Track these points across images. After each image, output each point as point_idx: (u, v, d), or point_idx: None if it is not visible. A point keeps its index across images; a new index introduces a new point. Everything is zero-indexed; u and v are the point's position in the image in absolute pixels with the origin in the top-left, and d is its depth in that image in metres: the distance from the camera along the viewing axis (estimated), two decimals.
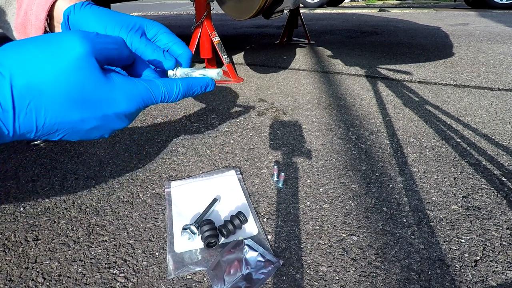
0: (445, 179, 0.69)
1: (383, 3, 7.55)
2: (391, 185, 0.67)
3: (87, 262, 0.50)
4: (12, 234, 0.56)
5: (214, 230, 0.51)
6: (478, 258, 0.49)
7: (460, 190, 0.65)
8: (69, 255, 0.51)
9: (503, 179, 0.68)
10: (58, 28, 0.37)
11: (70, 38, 0.24)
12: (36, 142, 0.88)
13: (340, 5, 6.42)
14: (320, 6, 5.92)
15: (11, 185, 0.70)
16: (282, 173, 0.67)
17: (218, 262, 0.44)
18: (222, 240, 0.52)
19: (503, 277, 0.46)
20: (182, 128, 0.98)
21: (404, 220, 0.57)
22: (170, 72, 0.35)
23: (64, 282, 0.46)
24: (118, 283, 0.46)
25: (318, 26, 3.37)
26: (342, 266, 0.48)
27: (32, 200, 0.65)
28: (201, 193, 0.65)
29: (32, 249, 0.52)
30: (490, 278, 0.46)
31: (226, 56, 1.46)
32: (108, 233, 0.55)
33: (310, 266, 0.48)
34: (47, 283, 0.46)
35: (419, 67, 1.60)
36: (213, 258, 0.48)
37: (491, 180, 0.68)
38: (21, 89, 0.22)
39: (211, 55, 1.55)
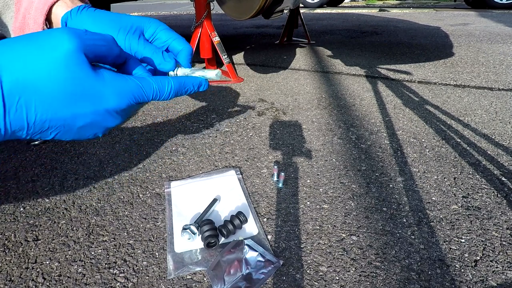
0: (445, 179, 0.69)
1: (383, 3, 7.55)
2: (391, 185, 0.67)
3: (87, 262, 0.50)
4: (12, 234, 0.56)
5: (214, 230, 0.51)
6: (478, 258, 0.49)
7: (460, 190, 0.65)
8: (69, 255, 0.51)
9: (503, 179, 0.68)
10: None
11: (59, 34, 0.24)
12: (36, 142, 0.88)
13: (340, 5, 6.42)
14: (320, 6, 5.92)
15: (11, 185, 0.70)
16: (282, 173, 0.67)
17: (218, 262, 0.44)
18: (222, 240, 0.52)
19: (503, 277, 0.46)
20: (182, 128, 0.98)
21: (404, 220, 0.57)
22: (171, 73, 0.35)
23: (64, 282, 0.46)
24: (118, 283, 0.46)
25: (318, 26, 3.37)
26: (342, 266, 0.48)
27: (32, 200, 0.65)
28: (201, 193, 0.65)
29: (32, 249, 0.52)
30: (490, 278, 0.46)
31: (226, 56, 1.46)
32: (108, 233, 0.55)
33: (310, 266, 0.48)
34: (47, 283, 0.46)
35: (419, 67, 1.59)
36: (213, 258, 0.48)
37: (491, 180, 0.68)
38: (11, 85, 0.22)
39: (211, 55, 1.55)
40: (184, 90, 0.32)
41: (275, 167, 0.69)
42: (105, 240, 0.54)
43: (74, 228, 0.57)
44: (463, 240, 0.52)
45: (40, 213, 0.61)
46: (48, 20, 0.35)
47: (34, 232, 0.56)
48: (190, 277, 0.47)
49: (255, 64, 1.81)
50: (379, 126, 0.96)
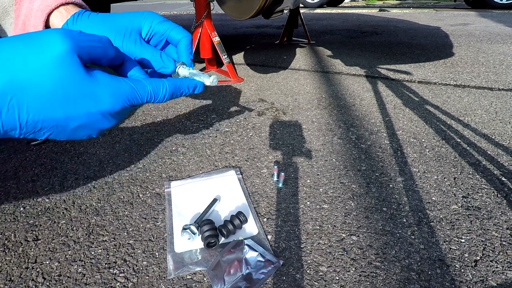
0: (445, 179, 0.69)
1: (383, 3, 7.55)
2: (391, 185, 0.67)
3: (87, 262, 0.50)
4: (12, 234, 0.56)
5: (214, 230, 0.51)
6: (478, 258, 0.49)
7: (460, 190, 0.65)
8: (69, 255, 0.51)
9: (503, 179, 0.68)
10: None
11: (52, 35, 0.24)
12: (36, 142, 0.88)
13: (340, 5, 6.42)
14: (320, 6, 5.92)
15: (11, 185, 0.70)
16: (282, 173, 0.67)
17: (218, 262, 0.44)
18: (222, 240, 0.52)
19: (503, 277, 0.46)
20: (182, 128, 0.98)
21: (404, 220, 0.57)
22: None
23: (64, 282, 0.46)
24: (118, 283, 0.46)
25: (318, 26, 3.37)
26: (342, 266, 0.48)
27: (32, 200, 0.65)
28: (201, 193, 0.65)
29: (32, 249, 0.52)
30: (490, 278, 0.46)
31: (226, 56, 1.46)
32: (108, 233, 0.55)
33: (310, 266, 0.48)
34: (47, 283, 0.46)
35: (419, 67, 1.59)
36: (213, 258, 0.48)
37: (491, 180, 0.68)
38: (3, 85, 0.22)
39: (211, 55, 1.55)
40: (179, 93, 0.32)
41: (275, 167, 0.69)
42: (105, 240, 0.54)
43: (74, 228, 0.57)
44: (463, 240, 0.52)
45: (40, 213, 0.61)
46: (47, 27, 0.35)
47: (34, 232, 0.56)
48: (190, 277, 0.47)
49: (255, 64, 1.81)
50: (379, 126, 0.96)
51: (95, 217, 0.59)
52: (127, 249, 0.52)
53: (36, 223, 0.58)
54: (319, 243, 0.53)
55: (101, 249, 0.52)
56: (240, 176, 0.71)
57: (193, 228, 0.51)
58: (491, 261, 0.48)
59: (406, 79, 1.41)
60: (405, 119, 1.00)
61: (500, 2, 4.56)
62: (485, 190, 0.65)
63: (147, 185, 0.69)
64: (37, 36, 0.24)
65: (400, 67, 1.62)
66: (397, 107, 1.10)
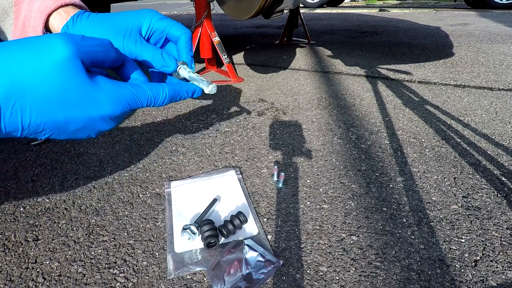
0: (445, 179, 0.69)
1: (383, 3, 7.55)
2: (391, 185, 0.67)
3: (87, 262, 0.50)
4: (12, 234, 0.56)
5: (214, 230, 0.51)
6: (478, 258, 0.49)
7: (460, 190, 0.65)
8: (69, 255, 0.51)
9: (503, 179, 0.68)
10: None
11: (56, 40, 0.24)
12: (36, 142, 0.88)
13: (340, 5, 6.42)
14: (320, 6, 5.92)
15: (11, 185, 0.70)
16: (282, 173, 0.67)
17: (218, 262, 0.44)
18: (222, 240, 0.52)
19: (503, 277, 0.46)
20: (182, 128, 0.98)
21: (404, 220, 0.57)
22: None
23: (64, 282, 0.46)
24: (118, 283, 0.46)
25: (318, 26, 3.37)
26: (342, 266, 0.48)
27: (32, 200, 0.65)
28: (201, 193, 0.65)
29: (32, 249, 0.52)
30: (490, 278, 0.46)
31: (226, 56, 1.46)
32: (108, 233, 0.55)
33: (310, 266, 0.48)
34: (47, 283, 0.46)
35: (419, 67, 1.60)
36: (213, 258, 0.48)
37: (491, 180, 0.68)
38: (7, 89, 0.22)
39: (211, 55, 1.55)
40: (178, 97, 0.33)
41: (275, 167, 0.69)
42: (105, 240, 0.54)
43: (74, 228, 0.57)
44: (463, 240, 0.52)
45: (40, 213, 0.61)
46: (47, 30, 0.35)
47: (34, 232, 0.56)
48: (190, 277, 0.47)
49: (255, 64, 1.81)
50: (379, 126, 0.96)
51: (95, 217, 0.59)
52: (127, 249, 0.52)
53: (36, 223, 0.58)
54: (319, 243, 0.53)
55: (101, 249, 0.52)
56: (240, 176, 0.71)
57: (193, 228, 0.51)
58: (491, 261, 0.48)
59: (406, 79, 1.41)
60: (405, 119, 1.00)
61: (500, 2, 4.56)
62: (485, 190, 0.65)
63: (147, 185, 0.69)
64: (41, 41, 0.24)
65: (400, 67, 1.62)
66: (397, 107, 1.10)
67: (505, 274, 0.46)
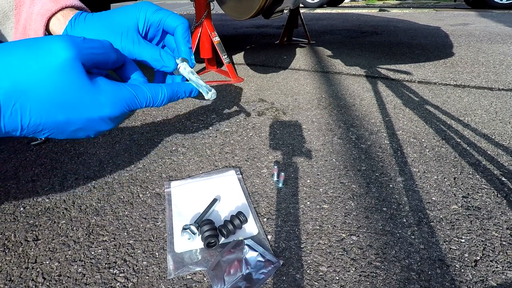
0: (445, 179, 0.69)
1: (383, 3, 7.55)
2: (391, 185, 0.67)
3: (87, 262, 0.50)
4: (12, 234, 0.56)
5: (214, 230, 0.51)
6: (478, 258, 0.49)
7: (460, 190, 0.65)
8: (69, 255, 0.51)
9: (503, 179, 0.68)
10: None
11: (57, 42, 0.25)
12: (36, 142, 0.88)
13: (340, 5, 6.42)
14: (320, 6, 5.92)
15: (11, 185, 0.70)
16: (282, 173, 0.67)
17: (218, 262, 0.44)
18: (222, 240, 0.52)
19: (503, 277, 0.46)
20: (182, 128, 0.98)
21: (404, 220, 0.57)
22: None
23: (64, 282, 0.46)
24: (118, 283, 0.46)
25: (318, 26, 3.37)
26: (342, 266, 0.48)
27: (32, 200, 0.65)
28: (201, 193, 0.65)
29: (32, 249, 0.52)
30: (490, 278, 0.46)
31: (226, 56, 1.46)
32: (108, 233, 0.55)
33: (310, 266, 0.48)
34: (47, 283, 0.46)
35: (419, 67, 1.60)
36: (213, 258, 0.48)
37: (491, 180, 0.68)
38: (7, 89, 0.23)
39: (211, 55, 1.55)
40: (176, 97, 0.34)
41: (275, 167, 0.69)
42: (105, 240, 0.54)
43: (74, 228, 0.57)
44: (463, 240, 0.52)
45: (40, 213, 0.61)
46: (48, 34, 0.35)
47: (34, 232, 0.56)
48: (190, 277, 0.47)
49: (255, 64, 1.81)
50: (379, 126, 0.96)
51: (95, 217, 0.59)
52: (127, 249, 0.52)
53: (36, 223, 0.58)
54: (319, 243, 0.53)
55: (101, 249, 0.52)
56: (240, 176, 0.71)
57: (193, 228, 0.51)
58: (491, 261, 0.48)
59: (406, 79, 1.41)
60: (405, 119, 1.00)
61: (500, 2, 4.56)
62: (485, 190, 0.65)
63: (147, 185, 0.69)
64: (43, 42, 0.24)
65: (400, 67, 1.62)
66: (397, 107, 1.10)
67: (505, 274, 0.46)
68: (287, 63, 1.80)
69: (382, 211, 0.60)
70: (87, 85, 0.26)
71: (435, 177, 0.70)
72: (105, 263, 0.49)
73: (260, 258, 0.48)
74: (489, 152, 0.79)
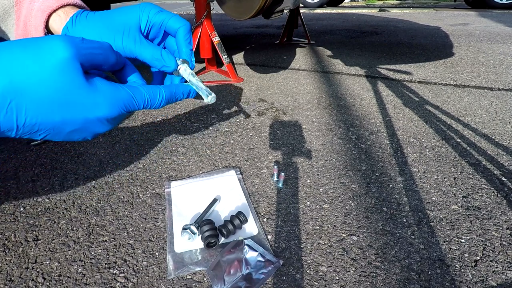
0: (445, 179, 0.69)
1: (383, 3, 7.55)
2: (391, 185, 0.67)
3: (87, 262, 0.50)
4: (12, 234, 0.56)
5: (214, 230, 0.51)
6: (478, 258, 0.49)
7: (460, 190, 0.65)
8: (69, 255, 0.51)
9: (503, 179, 0.68)
10: None
11: (55, 42, 0.24)
12: (36, 142, 0.88)
13: (340, 5, 6.42)
14: (320, 6, 5.92)
15: (11, 185, 0.70)
16: (282, 173, 0.67)
17: (218, 262, 0.44)
18: (222, 240, 0.52)
19: (503, 277, 0.46)
20: (182, 128, 0.98)
21: (404, 220, 0.57)
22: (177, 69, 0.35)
23: (64, 282, 0.46)
24: (118, 283, 0.46)
25: (318, 26, 3.37)
26: (342, 266, 0.48)
27: (32, 200, 0.65)
28: (201, 193, 0.65)
29: (32, 249, 0.52)
30: (490, 278, 0.46)
31: (226, 56, 1.46)
32: (108, 233, 0.55)
33: (310, 266, 0.48)
34: (47, 283, 0.46)
35: (419, 67, 1.60)
36: (213, 258, 0.48)
37: (491, 180, 0.68)
38: (3, 88, 0.23)
39: (211, 55, 1.55)
40: (174, 99, 0.33)
41: (275, 167, 0.69)
42: (105, 240, 0.54)
43: (74, 228, 0.57)
44: (463, 240, 0.52)
45: (40, 213, 0.61)
46: (48, 31, 0.35)
47: (34, 232, 0.56)
48: (190, 277, 0.47)
49: (255, 64, 1.81)
50: (379, 126, 0.96)
51: (95, 217, 0.59)
52: (127, 249, 0.52)
53: (36, 223, 0.58)
54: (319, 243, 0.53)
55: (101, 249, 0.52)
56: (240, 176, 0.71)
57: (193, 228, 0.51)
58: (491, 261, 0.48)
59: (406, 79, 1.41)
60: (405, 119, 1.00)
61: (500, 2, 4.56)
62: (485, 190, 0.65)
63: (147, 185, 0.69)
64: (41, 42, 0.24)
65: (400, 67, 1.62)
66: (397, 107, 1.10)
67: (505, 274, 0.46)
68: (287, 63, 1.80)
69: (382, 211, 0.60)
70: (84, 85, 0.26)
71: (435, 177, 0.70)
72: (105, 263, 0.49)
73: (260, 258, 0.48)
74: (489, 152, 0.79)
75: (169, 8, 7.15)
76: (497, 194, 0.63)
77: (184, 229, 0.51)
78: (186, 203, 0.62)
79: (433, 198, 0.63)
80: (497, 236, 0.53)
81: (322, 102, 1.17)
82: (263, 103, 1.18)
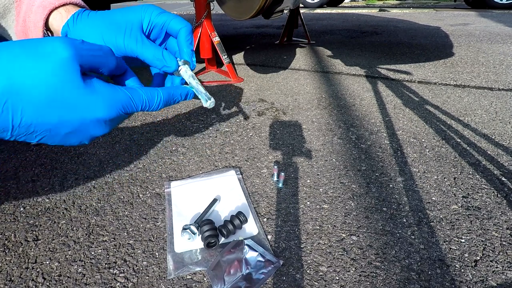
0: (445, 179, 0.69)
1: (383, 3, 7.55)
2: (391, 185, 0.67)
3: (87, 262, 0.50)
4: (12, 234, 0.56)
5: (214, 230, 0.51)
6: (478, 258, 0.49)
7: (460, 190, 0.65)
8: (69, 255, 0.51)
9: (503, 179, 0.68)
10: None
11: (54, 43, 0.24)
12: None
13: (340, 5, 6.42)
14: (320, 6, 5.92)
15: (11, 185, 0.70)
16: (282, 173, 0.67)
17: (218, 262, 0.44)
18: (222, 240, 0.52)
19: (503, 277, 0.46)
20: (182, 128, 0.98)
21: (404, 220, 0.57)
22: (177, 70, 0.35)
23: (64, 282, 0.46)
24: (118, 283, 0.46)
25: (318, 26, 3.37)
26: (342, 266, 0.48)
27: (32, 200, 0.65)
28: (201, 193, 0.65)
29: (32, 249, 0.52)
30: (490, 278, 0.46)
31: (226, 56, 1.46)
32: (108, 233, 0.55)
33: (310, 266, 0.48)
34: (47, 283, 0.46)
35: (419, 67, 1.60)
36: (213, 258, 0.48)
37: (491, 180, 0.68)
38: (2, 88, 0.22)
39: (211, 55, 1.55)
40: (172, 101, 0.33)
41: (275, 167, 0.69)
42: (105, 240, 0.54)
43: (74, 228, 0.57)
44: (463, 240, 0.52)
45: (40, 213, 0.61)
46: (48, 29, 0.35)
47: (34, 232, 0.56)
48: (190, 277, 0.47)
49: (255, 64, 1.81)
50: (379, 126, 0.96)
51: (95, 217, 0.59)
52: (127, 249, 0.52)
53: (36, 223, 0.58)
54: (319, 243, 0.53)
55: (101, 249, 0.52)
56: (240, 176, 0.71)
57: (193, 228, 0.51)
58: (491, 261, 0.48)
59: (406, 79, 1.41)
60: (405, 119, 1.00)
61: (500, 2, 4.56)
62: (485, 190, 0.65)
63: (147, 185, 0.69)
64: (41, 43, 0.24)
65: (400, 67, 1.62)
66: (397, 107, 1.10)
67: (505, 274, 0.46)
68: (287, 63, 1.80)
69: (382, 211, 0.60)
70: (82, 86, 0.26)
71: (435, 177, 0.70)
72: (105, 263, 0.49)
73: (260, 258, 0.48)
74: (489, 152, 0.79)
75: (169, 8, 7.15)
76: (497, 194, 0.63)
77: (184, 229, 0.51)
78: (186, 203, 0.62)
79: (433, 198, 0.63)
80: (497, 236, 0.53)
81: (322, 102, 1.17)
82: (263, 103, 1.18)
